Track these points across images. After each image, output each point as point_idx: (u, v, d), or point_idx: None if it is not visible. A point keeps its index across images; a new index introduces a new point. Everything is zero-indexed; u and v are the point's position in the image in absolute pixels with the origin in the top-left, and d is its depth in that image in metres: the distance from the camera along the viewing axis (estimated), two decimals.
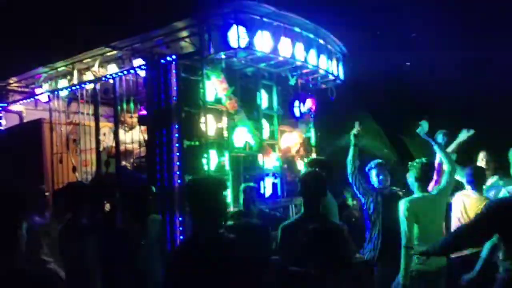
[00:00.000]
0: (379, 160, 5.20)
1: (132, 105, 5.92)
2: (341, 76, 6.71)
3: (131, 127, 6.32)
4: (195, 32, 5.34)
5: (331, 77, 6.54)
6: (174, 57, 5.21)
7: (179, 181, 5.09)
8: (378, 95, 9.25)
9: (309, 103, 6.82)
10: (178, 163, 5.11)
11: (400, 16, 8.79)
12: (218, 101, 5.48)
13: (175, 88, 5.16)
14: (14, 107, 7.38)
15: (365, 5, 8.78)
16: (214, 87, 5.42)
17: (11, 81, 7.24)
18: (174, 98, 5.15)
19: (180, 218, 4.99)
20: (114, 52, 5.95)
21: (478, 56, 8.70)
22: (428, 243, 3.70)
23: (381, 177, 5.00)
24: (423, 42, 9.00)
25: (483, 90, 8.59)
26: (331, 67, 6.41)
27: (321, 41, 6.15)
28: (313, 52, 5.92)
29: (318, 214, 3.62)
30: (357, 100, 8.84)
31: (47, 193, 5.85)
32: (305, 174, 4.02)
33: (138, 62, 5.77)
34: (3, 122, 7.33)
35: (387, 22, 8.85)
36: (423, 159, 4.49)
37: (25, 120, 7.41)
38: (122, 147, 5.96)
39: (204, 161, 5.21)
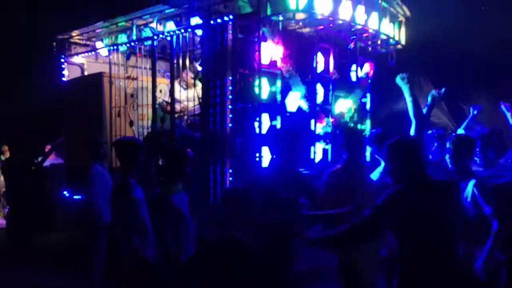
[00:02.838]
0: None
1: (188, 62, 5.98)
2: (403, 41, 6.43)
3: (188, 85, 6.38)
4: None
5: (392, 41, 6.28)
6: (231, 17, 5.17)
7: (230, 142, 5.18)
8: (440, 61, 8.82)
9: (367, 67, 6.61)
10: (230, 125, 5.17)
11: None
12: (273, 63, 5.42)
13: (230, 48, 5.15)
14: (76, 59, 7.64)
15: None
16: (270, 49, 5.35)
17: (73, 34, 7.46)
18: (230, 59, 5.15)
19: (230, 170, 5.13)
20: (172, 9, 5.97)
21: None
22: None
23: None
24: (491, 7, 8.39)
25: None
26: (393, 31, 6.14)
27: (384, 4, 5.88)
28: (374, 15, 5.69)
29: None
30: (418, 66, 8.48)
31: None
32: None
33: (195, 20, 5.75)
34: (66, 73, 7.62)
35: None
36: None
37: (86, 72, 7.68)
38: (177, 106, 6.06)
39: (256, 123, 5.24)
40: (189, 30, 5.63)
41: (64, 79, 7.60)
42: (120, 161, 4.12)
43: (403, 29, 6.42)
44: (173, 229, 3.72)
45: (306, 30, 5.82)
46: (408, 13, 6.38)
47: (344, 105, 6.35)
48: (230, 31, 5.14)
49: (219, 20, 5.25)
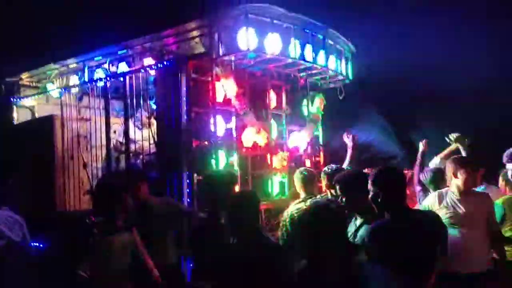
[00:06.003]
0: None
1: (142, 101, 5.98)
2: (350, 75, 6.73)
3: (142, 125, 6.35)
4: (206, 33, 5.36)
5: (340, 77, 6.56)
6: (184, 57, 5.27)
7: (187, 180, 5.19)
8: (387, 92, 9.23)
9: (318, 102, 6.85)
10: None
11: (411, 14, 8.74)
12: (227, 101, 5.53)
13: (184, 88, 5.22)
14: (26, 102, 7.46)
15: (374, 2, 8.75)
16: (223, 88, 5.46)
17: (23, 76, 7.32)
18: (184, 98, 5.22)
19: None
20: (125, 50, 6.01)
21: (491, 54, 8.61)
22: None
23: None
24: (433, 39, 8.94)
25: (496, 88, 8.51)
26: (340, 67, 6.42)
27: (331, 42, 6.16)
28: (322, 53, 5.94)
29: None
30: (366, 97, 8.84)
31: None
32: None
33: (148, 61, 5.82)
34: (15, 116, 7.42)
35: (397, 19, 8.80)
36: None
37: (36, 115, 7.51)
38: (132, 146, 6.02)
39: (213, 160, 5.28)
40: (142, 71, 5.67)
41: (14, 122, 7.40)
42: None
43: (350, 64, 6.73)
44: None
45: (258, 68, 6.00)
46: (353, 49, 6.70)
47: (298, 139, 6.51)
48: (184, 71, 5.23)
49: (172, 61, 5.33)
